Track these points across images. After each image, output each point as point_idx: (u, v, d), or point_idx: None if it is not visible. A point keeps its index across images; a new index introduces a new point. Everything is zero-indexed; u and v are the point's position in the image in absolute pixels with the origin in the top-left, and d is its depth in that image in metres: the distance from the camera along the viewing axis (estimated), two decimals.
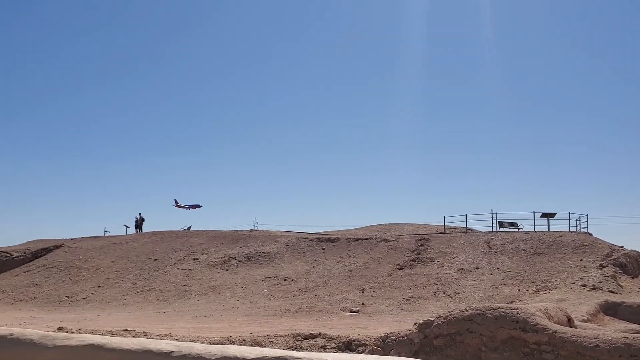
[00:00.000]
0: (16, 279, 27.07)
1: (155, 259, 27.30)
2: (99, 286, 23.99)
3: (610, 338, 6.30)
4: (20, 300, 23.34)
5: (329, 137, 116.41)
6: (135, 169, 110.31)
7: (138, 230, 38.19)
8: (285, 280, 22.60)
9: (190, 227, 38.05)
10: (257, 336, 8.75)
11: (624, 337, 6.26)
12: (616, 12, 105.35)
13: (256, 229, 40.45)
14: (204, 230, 33.60)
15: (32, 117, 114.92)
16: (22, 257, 30.71)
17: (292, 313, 17.24)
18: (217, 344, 7.01)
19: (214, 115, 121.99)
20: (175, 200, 37.02)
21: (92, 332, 9.13)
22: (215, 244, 29.49)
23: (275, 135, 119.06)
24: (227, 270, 25.18)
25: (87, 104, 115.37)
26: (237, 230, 34.07)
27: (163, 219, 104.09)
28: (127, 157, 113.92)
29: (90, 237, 34.52)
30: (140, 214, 39.41)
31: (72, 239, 33.64)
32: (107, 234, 39.15)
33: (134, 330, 10.50)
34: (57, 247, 31.39)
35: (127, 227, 39.49)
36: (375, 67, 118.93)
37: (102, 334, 8.37)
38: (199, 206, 37.34)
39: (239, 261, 26.21)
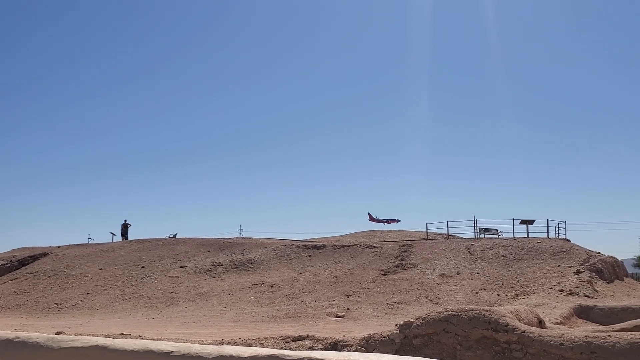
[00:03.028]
0: (3, 287, 27.22)
1: (143, 267, 27.59)
2: (87, 293, 24.25)
3: (573, 337, 6.88)
4: (9, 308, 23.52)
5: (314, 146, 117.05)
6: (119, 176, 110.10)
7: (124, 237, 38.38)
8: (272, 287, 23.04)
9: (176, 234, 38.33)
10: (248, 339, 9.23)
11: (586, 336, 6.84)
12: (619, 11, 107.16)
13: (242, 236, 40.82)
14: (190, 238, 33.90)
15: (15, 127, 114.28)
16: (9, 264, 30.81)
17: (279, 319, 17.69)
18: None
19: (199, 124, 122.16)
20: (369, 214, 35.03)
21: (89, 336, 9.54)
22: (202, 251, 29.84)
23: (260, 144, 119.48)
24: (213, 277, 25.54)
25: (69, 113, 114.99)
26: (223, 238, 34.42)
27: (147, 226, 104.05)
28: (111, 164, 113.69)
29: (77, 244, 34.71)
30: (125, 220, 39.67)
31: (59, 247, 33.80)
32: (92, 242, 39.32)
33: (130, 335, 10.92)
34: (45, 254, 31.54)
35: (113, 234, 39.70)
36: (365, 79, 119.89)
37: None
38: (396, 220, 34.13)
39: (225, 268, 26.58)
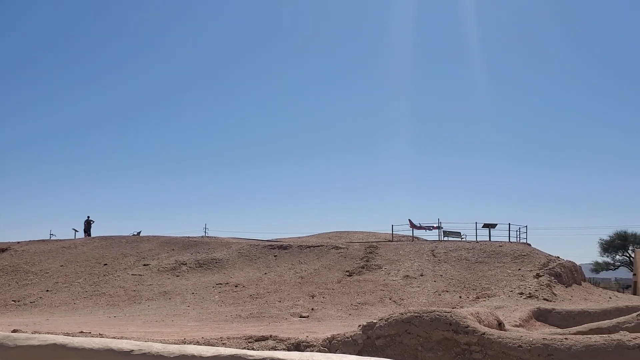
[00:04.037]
0: None
1: (105, 264, 27.17)
2: (47, 290, 23.75)
3: (531, 339, 7.04)
4: None
5: (281, 147, 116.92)
6: (82, 172, 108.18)
7: (87, 234, 37.77)
8: (236, 286, 22.92)
9: (140, 232, 37.85)
10: (211, 338, 9.17)
11: (543, 339, 7.01)
12: (597, 12, 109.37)
13: (207, 235, 40.51)
14: (154, 236, 33.50)
15: None
16: None
17: (243, 319, 17.61)
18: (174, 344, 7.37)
19: (166, 122, 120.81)
20: (410, 221, 33.66)
21: (47, 334, 9.35)
22: (166, 249, 29.53)
23: (228, 143, 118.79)
24: (177, 276, 25.29)
25: (31, 109, 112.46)
26: (188, 237, 34.14)
27: (111, 223, 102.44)
28: (75, 159, 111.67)
29: (38, 240, 33.96)
30: (88, 216, 39.04)
31: (18, 242, 33.00)
32: (53, 238, 38.57)
33: (90, 333, 10.74)
34: (3, 250, 30.78)
35: (75, 230, 39.00)
36: (341, 81, 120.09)
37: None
38: (439, 227, 32.61)
39: (189, 267, 26.35)
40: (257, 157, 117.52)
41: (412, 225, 32.68)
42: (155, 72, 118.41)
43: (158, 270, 26.09)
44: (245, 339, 8.82)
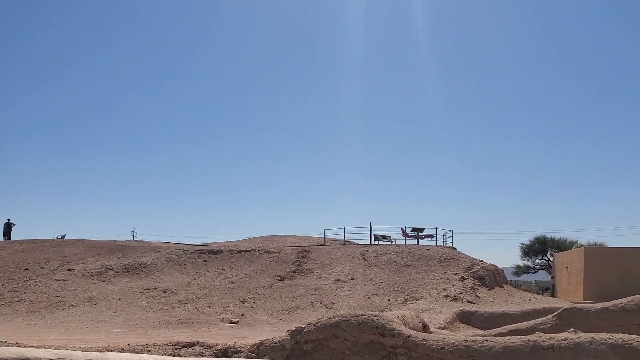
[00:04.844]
0: None
1: (26, 269, 26.03)
2: None
3: (453, 341, 7.30)
4: None
5: (217, 151, 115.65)
6: (2, 170, 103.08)
7: (6, 237, 36.11)
8: (164, 292, 22.48)
9: (64, 235, 36.59)
10: (136, 345, 8.98)
11: (465, 340, 7.29)
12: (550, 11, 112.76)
13: (135, 239, 39.59)
14: (80, 240, 32.48)
15: None
16: None
17: (171, 324, 17.30)
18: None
19: (92, 120, 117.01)
20: (402, 229, 32.57)
21: None
22: (92, 254, 28.62)
23: (157, 146, 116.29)
24: (103, 281, 24.56)
25: None
26: (114, 241, 33.29)
27: (33, 226, 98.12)
28: None
29: None
30: (9, 219, 37.35)
31: None
32: None
33: (5, 342, 10.27)
34: None
35: None
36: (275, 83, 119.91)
37: None
38: (431, 236, 32.41)
39: (116, 272, 25.64)
40: (188, 160, 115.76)
41: (405, 234, 32.95)
42: (92, 68, 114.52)
43: (83, 275, 25.25)
44: (172, 346, 8.68)
